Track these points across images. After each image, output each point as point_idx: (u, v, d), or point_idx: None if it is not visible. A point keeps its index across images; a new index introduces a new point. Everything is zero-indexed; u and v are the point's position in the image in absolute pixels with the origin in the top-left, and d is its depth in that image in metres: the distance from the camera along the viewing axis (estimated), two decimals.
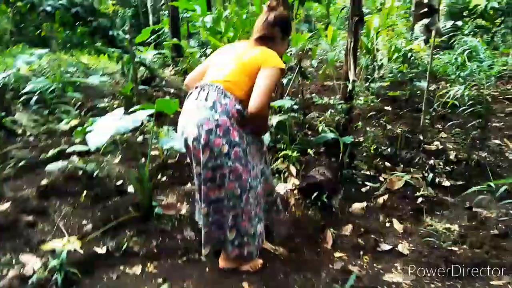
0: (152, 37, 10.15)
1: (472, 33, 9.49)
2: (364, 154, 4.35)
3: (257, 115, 2.05)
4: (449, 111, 5.80)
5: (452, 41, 8.10)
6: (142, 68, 7.76)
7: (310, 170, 3.82)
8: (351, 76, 3.62)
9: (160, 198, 3.49)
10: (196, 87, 2.29)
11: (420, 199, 3.55)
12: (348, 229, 3.23)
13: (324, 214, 3.32)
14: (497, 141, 5.02)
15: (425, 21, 3.53)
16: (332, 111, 3.60)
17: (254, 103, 2.04)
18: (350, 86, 3.59)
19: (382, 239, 3.05)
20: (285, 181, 3.80)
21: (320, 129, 3.79)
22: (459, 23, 9.11)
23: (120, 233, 3.03)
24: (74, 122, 5.63)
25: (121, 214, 3.24)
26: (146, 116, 3.09)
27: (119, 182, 3.91)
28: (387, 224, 3.28)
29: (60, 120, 5.73)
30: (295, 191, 3.58)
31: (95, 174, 3.83)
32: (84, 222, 3.24)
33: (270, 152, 4.27)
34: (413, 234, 3.10)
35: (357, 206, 3.57)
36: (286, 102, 4.01)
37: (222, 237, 2.41)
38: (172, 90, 7.54)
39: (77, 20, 5.75)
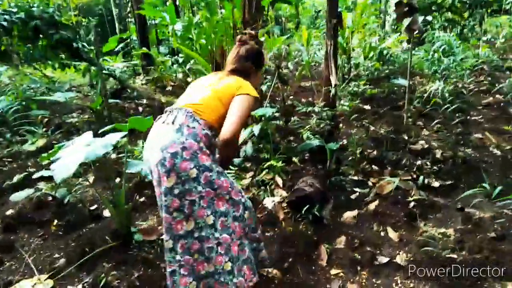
0: (120, 45, 9.76)
1: (442, 27, 9.60)
2: (350, 159, 4.21)
3: (229, 142, 1.94)
4: (428, 107, 5.77)
5: (423, 36, 8.15)
6: (112, 79, 7.44)
7: (297, 180, 3.64)
8: (334, 81, 3.47)
9: (139, 223, 3.23)
10: (165, 111, 2.12)
11: (412, 204, 3.43)
12: (342, 241, 3.07)
13: (316, 227, 3.15)
14: (479, 135, 5.00)
15: (406, 20, 3.42)
16: (316, 117, 3.44)
17: (227, 130, 1.94)
18: (333, 91, 3.43)
19: (378, 251, 2.90)
20: (272, 193, 3.62)
21: (304, 136, 3.62)
22: (429, 18, 9.18)
23: (97, 266, 2.77)
24: (41, 142, 5.27)
25: (97, 243, 2.96)
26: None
27: (94, 207, 3.63)
28: (382, 233, 3.14)
29: (26, 141, 5.36)
30: (284, 205, 3.40)
31: (66, 200, 3.52)
32: (56, 255, 2.95)
33: (253, 163, 4.08)
34: (410, 242, 2.97)
35: (348, 215, 3.41)
36: (268, 111, 3.83)
37: (193, 278, 2.05)
38: (144, 101, 7.23)
39: (38, 33, 5.38)
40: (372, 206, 3.55)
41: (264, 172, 3.79)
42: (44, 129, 5.92)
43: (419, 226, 3.21)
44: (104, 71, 6.32)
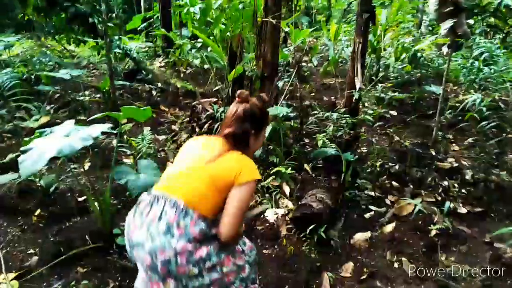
0: (143, 25, 9.47)
1: (483, 32, 8.91)
2: (368, 171, 3.80)
3: (230, 240, 1.71)
4: (460, 118, 5.25)
5: (461, 41, 7.52)
6: (129, 59, 7.16)
7: (306, 191, 3.26)
8: (358, 84, 3.06)
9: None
10: (149, 195, 1.78)
11: (433, 231, 3.01)
12: (349, 268, 2.70)
13: (321, 250, 2.78)
14: None
15: (449, 21, 2.95)
16: (333, 124, 3.05)
17: (227, 229, 1.70)
18: (356, 95, 3.02)
19: (390, 286, 2.51)
20: (277, 203, 3.25)
21: (319, 142, 3.23)
22: (470, 21, 8.50)
23: (71, 270, 2.49)
24: (44, 119, 5.03)
25: (76, 242, 2.68)
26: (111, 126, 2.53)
27: (82, 198, 3.34)
28: (396, 264, 2.74)
29: (30, 117, 5.14)
30: (288, 219, 3.03)
31: (52, 188, 3.25)
32: (31, 251, 2.68)
33: (260, 166, 3.72)
34: (427, 279, 2.57)
35: (360, 238, 3.03)
36: (282, 110, 3.45)
37: None
38: (159, 84, 6.93)
39: (53, 5, 5.12)
40: (387, 229, 3.15)
41: (270, 178, 3.43)
42: (51, 106, 5.71)
43: (440, 260, 2.80)
44: (119, 50, 6.03)
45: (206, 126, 4.21)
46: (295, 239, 2.86)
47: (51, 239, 2.80)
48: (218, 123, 4.09)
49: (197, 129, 4.30)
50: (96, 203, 2.63)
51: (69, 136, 2.16)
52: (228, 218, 1.68)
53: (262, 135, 1.97)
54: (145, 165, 2.30)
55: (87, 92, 6.39)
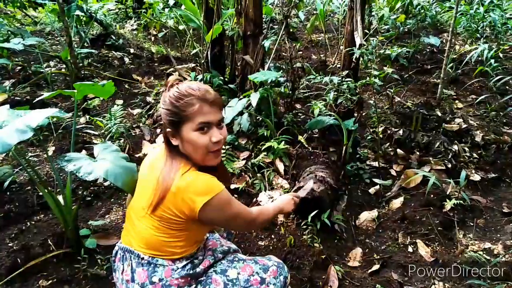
0: None
1: None
2: (369, 138, 3.41)
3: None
4: (459, 72, 4.83)
5: None
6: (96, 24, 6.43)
7: (302, 166, 2.87)
8: (358, 39, 2.58)
9: (95, 224, 2.49)
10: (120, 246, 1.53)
11: (447, 205, 2.66)
12: (357, 255, 2.36)
13: (324, 236, 2.42)
14: None
15: None
16: (332, 89, 2.59)
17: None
18: (357, 53, 2.55)
19: (406, 277, 2.18)
20: (270, 184, 2.85)
21: (315, 111, 2.78)
22: None
23: (32, 284, 2.08)
24: (1, 97, 4.45)
25: (38, 248, 2.26)
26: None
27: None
28: (410, 248, 2.41)
29: None
30: None
31: (7, 182, 2.78)
32: None
33: (249, 142, 3.28)
34: (447, 265, 2.25)
35: (366, 217, 2.68)
36: (270, 75, 2.96)
37: None
38: (131, 50, 6.28)
39: None
40: (395, 204, 2.81)
41: (261, 155, 3.01)
42: (10, 81, 5.08)
43: (458, 239, 2.48)
44: (81, 13, 5.34)
45: None
46: (294, 227, 2.49)
47: (8, 244, 2.37)
48: None
49: None
50: (58, 200, 2.19)
51: (2, 128, 1.67)
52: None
53: (191, 133, 1.37)
54: (102, 148, 1.84)
55: (52, 63, 5.75)
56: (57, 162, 1.75)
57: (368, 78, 2.53)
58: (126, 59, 5.93)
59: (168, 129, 1.40)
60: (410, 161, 3.22)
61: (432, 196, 2.77)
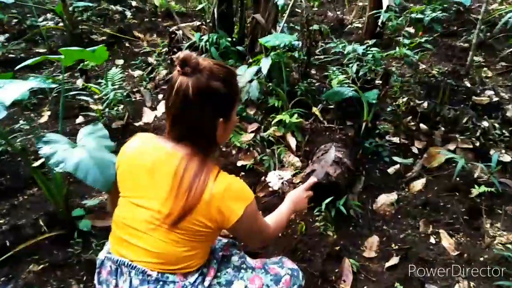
0: None
1: None
2: (390, 110, 3.11)
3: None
4: (488, 35, 4.41)
5: None
6: None
7: (316, 142, 2.63)
8: (386, 1, 2.23)
9: (90, 204, 2.29)
10: (109, 258, 1.24)
11: (473, 190, 2.43)
12: (373, 245, 2.17)
13: (338, 224, 2.21)
14: None
15: None
16: (354, 60, 2.27)
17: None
18: (383, 17, 2.21)
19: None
20: (280, 161, 2.62)
21: (333, 82, 2.49)
22: None
23: (23, 268, 1.93)
24: None
25: (29, 229, 2.10)
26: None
27: (39, 162, 2.68)
28: (432, 239, 2.21)
29: None
30: (296, 182, 2.43)
31: None
32: None
33: (259, 113, 3.02)
34: (474, 259, 2.05)
35: (384, 201, 2.46)
36: (283, 38, 2.64)
37: None
38: (133, 3, 5.85)
39: None
40: (417, 186, 2.59)
41: (272, 129, 2.75)
42: (5, 36, 4.77)
43: (485, 228, 2.26)
44: None
45: None
46: (305, 211, 2.28)
47: None
48: (204, 55, 3.28)
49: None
50: (45, 178, 1.99)
51: None
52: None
53: (233, 119, 1.25)
54: (88, 132, 1.60)
55: (49, 16, 5.39)
56: (38, 141, 1.52)
57: (397, 49, 2.21)
58: (128, 13, 5.53)
59: (220, 119, 1.15)
60: (434, 137, 2.95)
61: (458, 179, 2.53)
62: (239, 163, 2.59)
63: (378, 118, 3.03)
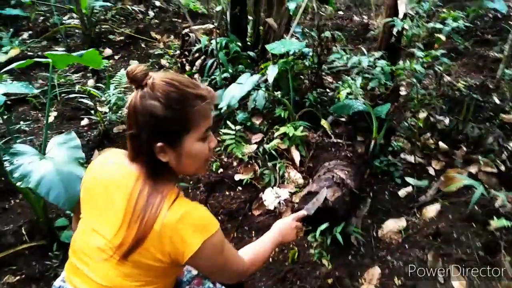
0: None
1: None
2: (407, 125, 2.88)
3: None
4: None
5: None
6: None
7: (321, 158, 2.44)
8: (403, 6, 2.02)
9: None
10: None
11: (494, 223, 2.17)
12: (373, 277, 1.97)
13: (335, 252, 2.02)
14: None
15: None
16: (363, 73, 2.07)
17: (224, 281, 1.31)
18: (397, 25, 2.00)
19: None
20: (281, 177, 2.45)
21: (341, 93, 2.29)
22: None
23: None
24: (14, 51, 4.22)
25: (11, 237, 2.04)
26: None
27: None
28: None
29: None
30: (294, 202, 2.26)
31: None
32: None
33: (265, 123, 2.86)
34: None
35: (391, 228, 2.25)
36: (292, 45, 2.47)
37: None
38: (157, 3, 5.83)
39: None
40: (429, 213, 2.35)
41: (275, 141, 2.59)
42: (29, 33, 4.85)
43: (504, 268, 2.01)
44: None
45: (198, 63, 3.29)
46: (301, 234, 2.11)
47: None
48: (212, 60, 3.16)
49: (187, 67, 3.39)
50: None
51: None
52: (222, 280, 1.27)
53: (189, 148, 1.06)
54: (58, 142, 1.50)
55: (75, 15, 5.44)
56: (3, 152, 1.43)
57: (408, 62, 1.99)
58: (151, 13, 5.51)
59: (158, 144, 1.01)
60: (454, 158, 2.69)
61: (476, 208, 2.28)
62: (237, 177, 2.45)
63: (392, 133, 2.80)
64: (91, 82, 3.60)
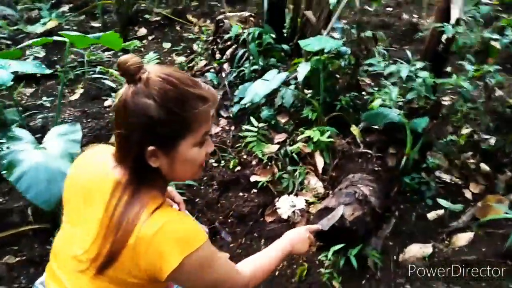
0: None
1: None
2: (447, 140, 2.62)
3: None
4: None
5: None
6: None
7: (347, 169, 2.25)
8: (457, 10, 1.78)
9: None
10: None
11: None
12: None
13: (348, 273, 1.85)
14: None
15: None
16: (401, 83, 1.85)
17: None
18: (447, 32, 1.77)
19: None
20: (301, 184, 2.29)
21: (375, 102, 2.08)
22: None
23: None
24: (52, 23, 4.24)
25: (15, 216, 2.01)
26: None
27: None
28: None
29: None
30: (310, 212, 2.10)
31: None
32: None
33: (291, 122, 2.70)
34: None
35: (414, 253, 2.04)
36: (327, 43, 2.28)
37: None
38: None
39: None
40: (460, 240, 2.13)
41: (300, 143, 2.42)
42: (69, 6, 4.87)
43: None
44: None
45: (228, 52, 3.15)
46: (313, 250, 1.95)
47: None
48: (243, 50, 3.01)
49: (217, 54, 3.26)
50: None
51: None
52: None
53: (185, 154, 0.95)
54: (58, 133, 1.40)
55: None
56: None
57: (454, 76, 1.75)
58: None
59: (149, 147, 0.90)
60: (496, 183, 2.43)
61: None
62: (253, 178, 2.31)
63: (429, 148, 2.56)
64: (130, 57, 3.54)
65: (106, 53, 3.67)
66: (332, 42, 2.32)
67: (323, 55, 2.35)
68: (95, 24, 4.40)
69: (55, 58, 3.62)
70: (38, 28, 4.12)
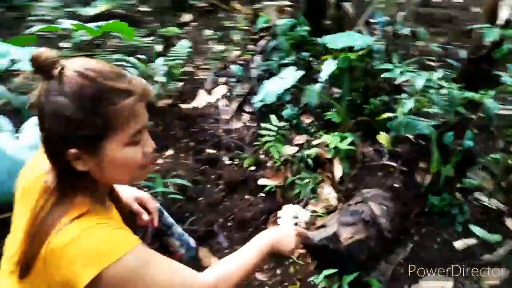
0: None
1: None
2: (494, 158, 2.26)
3: None
4: None
5: None
6: None
7: (365, 182, 2.03)
8: (506, 12, 1.48)
9: None
10: None
11: None
12: None
13: None
14: None
15: None
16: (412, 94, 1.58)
17: None
18: (489, 36, 1.47)
19: None
20: (314, 192, 2.10)
21: (399, 110, 1.82)
22: None
23: None
24: (104, 7, 4.34)
25: None
26: None
27: None
28: None
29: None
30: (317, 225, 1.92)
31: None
32: None
33: (314, 123, 2.51)
34: None
35: (431, 286, 1.79)
36: (357, 39, 2.05)
37: None
38: None
39: None
40: (490, 278, 1.84)
41: (317, 148, 2.24)
42: None
43: None
44: None
45: (260, 43, 3.00)
46: (309, 271, 1.78)
47: None
48: (276, 41, 2.84)
49: (250, 45, 3.12)
50: None
51: None
52: None
53: (115, 155, 0.86)
54: (36, 123, 1.38)
55: None
56: None
57: (488, 91, 1.45)
58: None
59: (70, 150, 0.83)
60: None
61: None
62: (263, 182, 2.17)
63: (471, 163, 2.23)
64: (158, 47, 3.54)
65: (146, 38, 3.67)
66: (362, 38, 2.09)
67: (350, 53, 2.12)
68: (146, 8, 4.44)
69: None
70: (90, 11, 4.24)
